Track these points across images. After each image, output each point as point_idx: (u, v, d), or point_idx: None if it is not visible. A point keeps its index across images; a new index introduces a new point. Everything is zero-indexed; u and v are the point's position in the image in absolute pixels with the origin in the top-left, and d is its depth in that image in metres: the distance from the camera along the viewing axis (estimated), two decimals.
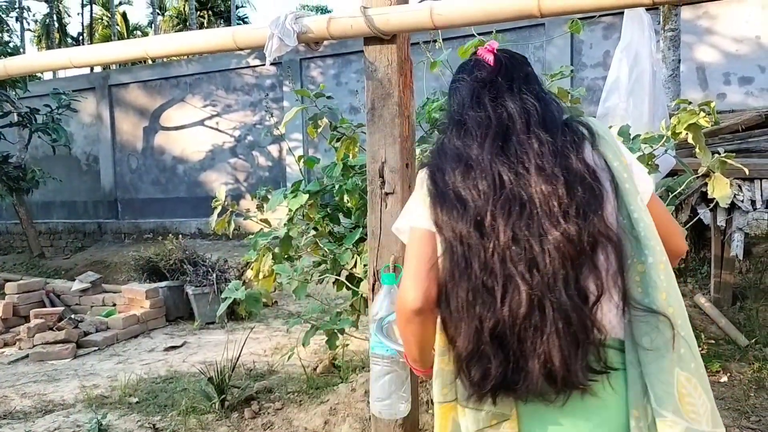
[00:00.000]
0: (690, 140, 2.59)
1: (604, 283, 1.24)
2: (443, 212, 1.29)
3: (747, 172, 2.82)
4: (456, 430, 1.34)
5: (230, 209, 3.27)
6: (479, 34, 3.19)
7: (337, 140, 3.35)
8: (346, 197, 3.42)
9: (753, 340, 4.44)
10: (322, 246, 3.45)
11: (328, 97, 3.37)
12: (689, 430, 1.24)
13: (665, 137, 2.69)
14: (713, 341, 4.46)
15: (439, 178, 1.32)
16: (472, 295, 1.24)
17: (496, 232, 1.23)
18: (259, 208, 3.58)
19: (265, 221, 3.54)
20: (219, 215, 3.30)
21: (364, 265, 3.26)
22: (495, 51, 1.44)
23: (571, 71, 3.43)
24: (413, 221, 1.37)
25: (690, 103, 2.62)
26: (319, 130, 3.31)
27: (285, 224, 3.38)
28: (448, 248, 1.27)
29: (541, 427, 1.29)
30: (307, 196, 3.34)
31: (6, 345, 6.31)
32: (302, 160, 3.65)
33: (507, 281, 1.22)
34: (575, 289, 1.21)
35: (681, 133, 2.56)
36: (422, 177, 1.39)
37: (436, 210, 1.30)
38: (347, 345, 4.09)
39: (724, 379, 3.98)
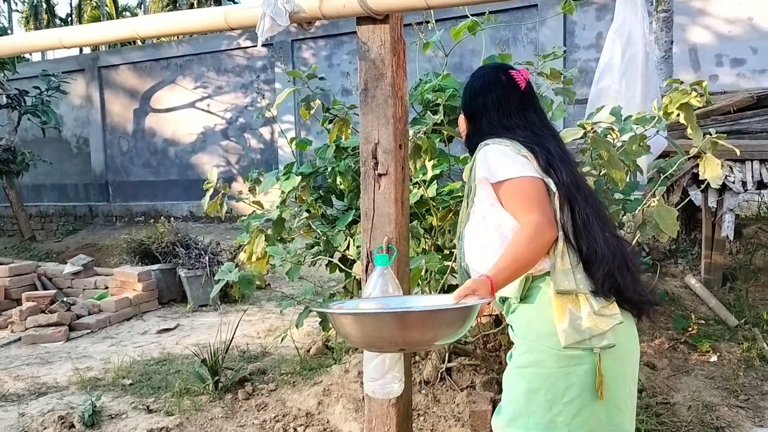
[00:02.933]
0: (682, 120, 2.59)
1: None
2: (553, 166, 1.82)
3: (738, 153, 2.82)
4: (572, 318, 1.72)
5: (222, 191, 3.25)
6: (472, 15, 3.18)
7: (330, 122, 3.34)
8: (338, 179, 3.41)
9: (742, 321, 4.48)
10: (315, 228, 3.45)
11: (321, 78, 3.35)
12: None
13: (657, 117, 2.69)
14: (703, 321, 4.50)
15: (536, 146, 1.86)
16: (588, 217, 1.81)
17: (580, 188, 1.87)
18: (252, 190, 3.57)
19: (258, 203, 3.53)
20: (211, 197, 3.29)
21: (357, 247, 3.27)
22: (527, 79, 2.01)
23: (564, 52, 3.42)
24: (525, 172, 1.80)
25: (682, 82, 2.62)
26: (312, 112, 3.29)
27: (278, 206, 3.37)
28: (563, 187, 1.80)
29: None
30: (299, 178, 3.32)
31: None
32: (294, 142, 3.64)
33: (601, 217, 1.87)
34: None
35: (673, 113, 2.56)
36: (506, 144, 1.87)
37: (547, 164, 1.82)
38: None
39: (714, 358, 4.02)
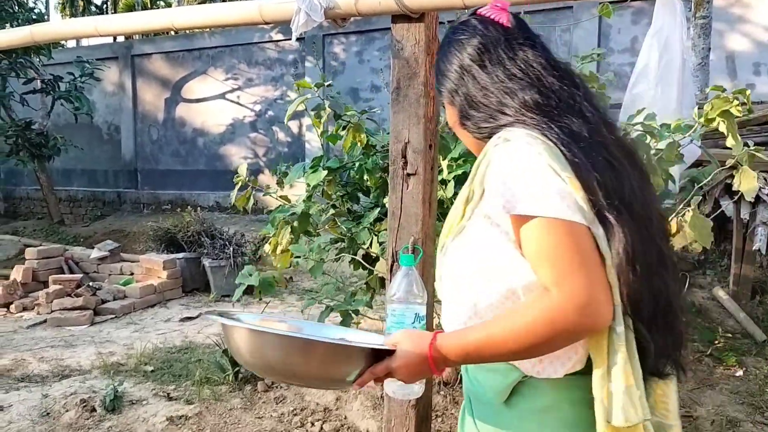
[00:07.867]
0: (722, 129, 2.54)
1: None
2: (607, 191, 1.11)
3: None
4: None
5: (251, 186, 3.26)
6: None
7: (343, 128, 3.32)
8: (365, 176, 3.40)
9: None
10: (340, 224, 3.45)
11: (328, 85, 3.34)
12: None
13: (695, 126, 2.64)
14: (730, 335, 4.42)
15: (571, 150, 1.13)
16: (651, 274, 1.13)
17: (648, 215, 1.16)
18: (279, 183, 3.57)
19: (285, 198, 3.53)
20: (240, 191, 3.31)
21: (380, 244, 3.25)
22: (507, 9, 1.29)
23: (599, 55, 3.37)
24: (569, 213, 1.06)
25: (724, 90, 2.56)
26: (323, 120, 3.27)
27: (303, 201, 3.37)
28: (627, 235, 1.09)
29: None
30: (326, 172, 3.32)
31: (25, 309, 6.41)
32: (324, 136, 3.62)
33: (668, 264, 1.18)
34: None
35: (714, 120, 2.50)
36: (537, 143, 1.12)
37: (595, 188, 1.10)
38: (359, 324, 4.08)
39: (740, 373, 3.94)
